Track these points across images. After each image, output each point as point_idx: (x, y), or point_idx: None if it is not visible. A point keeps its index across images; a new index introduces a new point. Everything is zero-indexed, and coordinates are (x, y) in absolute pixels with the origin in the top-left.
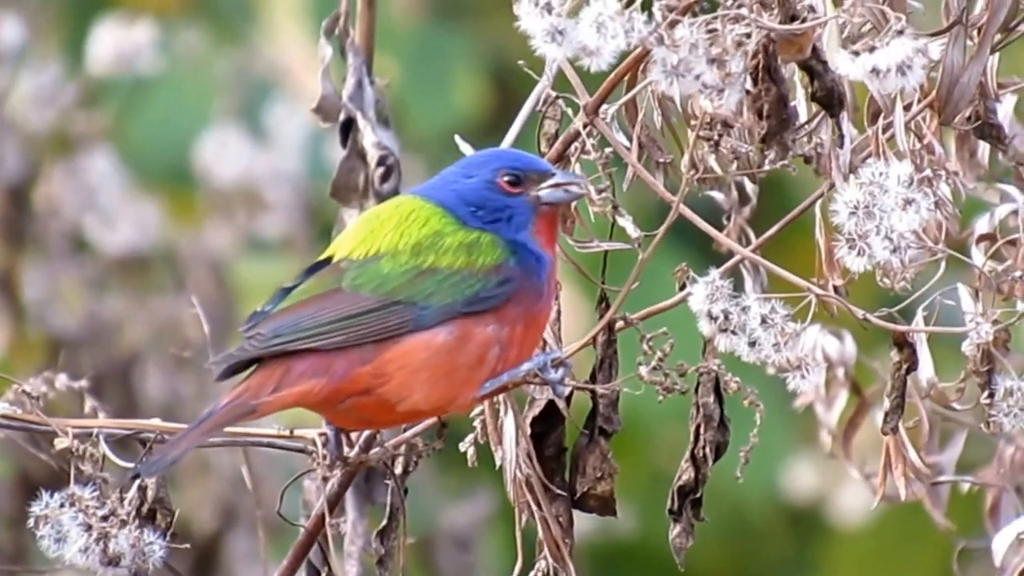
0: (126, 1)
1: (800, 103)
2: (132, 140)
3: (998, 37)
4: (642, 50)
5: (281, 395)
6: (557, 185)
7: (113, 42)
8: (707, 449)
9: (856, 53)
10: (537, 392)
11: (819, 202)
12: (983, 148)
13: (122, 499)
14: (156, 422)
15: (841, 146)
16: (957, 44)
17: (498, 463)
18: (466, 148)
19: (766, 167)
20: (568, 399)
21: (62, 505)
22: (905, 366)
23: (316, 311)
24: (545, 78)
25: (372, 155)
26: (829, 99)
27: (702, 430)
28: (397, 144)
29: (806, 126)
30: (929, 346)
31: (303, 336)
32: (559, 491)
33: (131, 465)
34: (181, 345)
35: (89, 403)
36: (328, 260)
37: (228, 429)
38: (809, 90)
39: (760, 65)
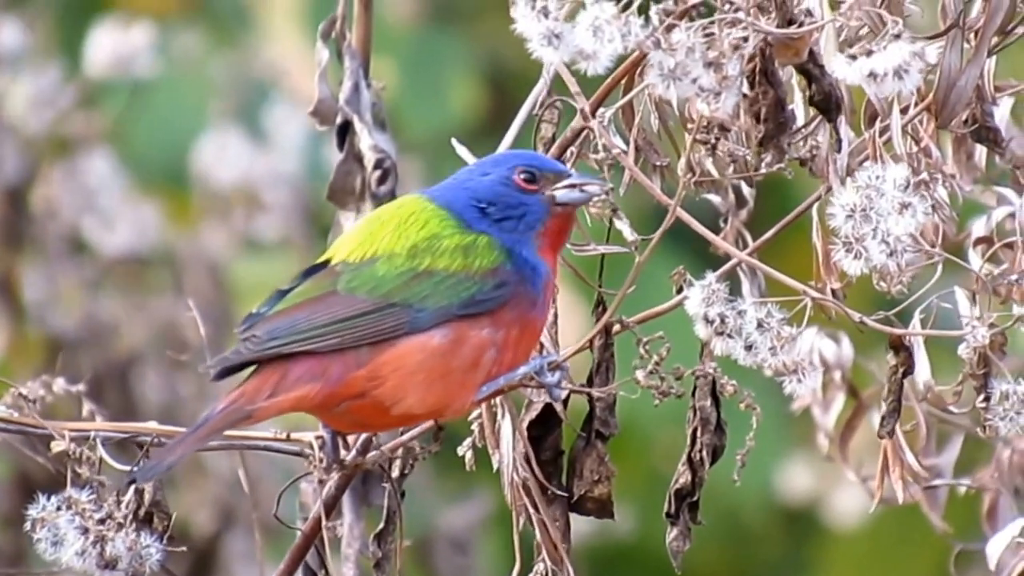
0: (124, 4)
1: (797, 106)
2: (131, 142)
3: (995, 40)
4: (639, 53)
5: (277, 400)
6: (573, 186)
7: (111, 45)
8: (704, 452)
9: (853, 57)
10: (534, 395)
11: (816, 205)
12: (980, 151)
13: (119, 502)
14: (153, 425)
15: (839, 150)
16: (954, 47)
17: (495, 466)
18: (463, 152)
19: (763, 170)
20: (565, 402)
21: (59, 508)
22: (902, 369)
23: (311, 314)
24: (542, 81)
25: (369, 158)
26: (827, 103)
27: (699, 433)
28: (394, 147)
29: (803, 129)
30: (926, 349)
31: (298, 339)
32: (558, 492)
33: (128, 468)
34: (179, 347)
35: (87, 406)
36: (326, 263)
37: (225, 432)
38: (807, 94)
39: (757, 68)
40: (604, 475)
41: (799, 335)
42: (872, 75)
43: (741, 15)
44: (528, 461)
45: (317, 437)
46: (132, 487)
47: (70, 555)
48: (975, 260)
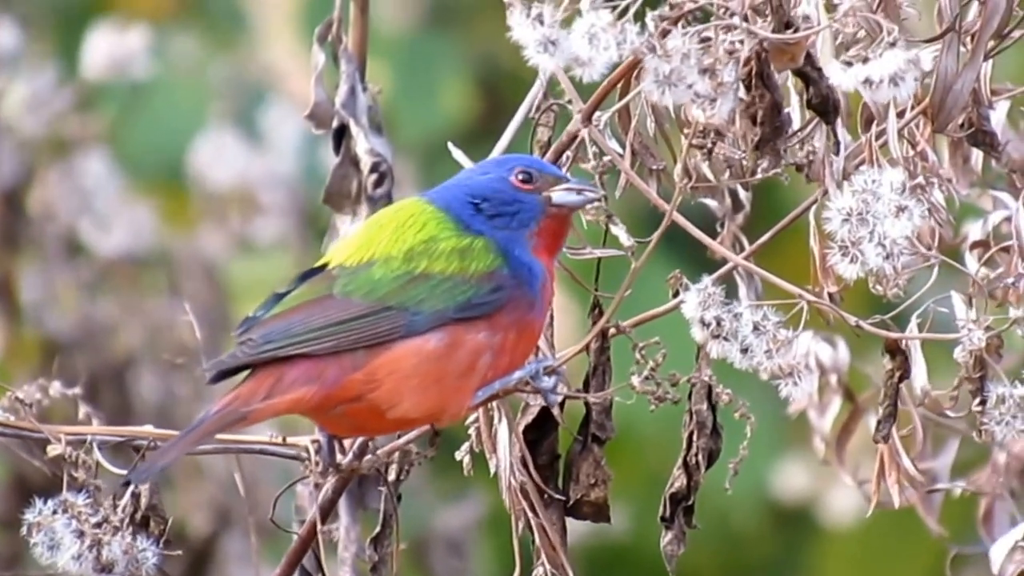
0: (120, 6)
1: (794, 110)
2: (127, 144)
3: (991, 44)
4: (635, 57)
5: (272, 402)
6: (570, 189)
7: (107, 47)
8: (699, 456)
9: (849, 63)
10: (531, 399)
11: (812, 209)
12: (976, 155)
13: (115, 506)
14: (149, 428)
15: (836, 153)
16: (951, 51)
17: (492, 470)
18: (459, 155)
19: (759, 175)
20: (561, 406)
21: (55, 512)
22: (898, 373)
23: (307, 317)
24: (538, 84)
25: (365, 162)
26: (824, 106)
27: (695, 437)
28: (390, 151)
29: (799, 133)
30: (922, 353)
31: (294, 342)
32: (555, 496)
33: (124, 472)
34: (175, 349)
35: (83, 409)
36: (323, 267)
37: (221, 436)
38: (804, 97)
39: (753, 72)
40: (600, 479)
41: (795, 338)
42: (867, 82)
43: (736, 20)
44: (525, 465)
45: (313, 441)
46: (128, 490)
47: (66, 559)
48: (971, 264)
